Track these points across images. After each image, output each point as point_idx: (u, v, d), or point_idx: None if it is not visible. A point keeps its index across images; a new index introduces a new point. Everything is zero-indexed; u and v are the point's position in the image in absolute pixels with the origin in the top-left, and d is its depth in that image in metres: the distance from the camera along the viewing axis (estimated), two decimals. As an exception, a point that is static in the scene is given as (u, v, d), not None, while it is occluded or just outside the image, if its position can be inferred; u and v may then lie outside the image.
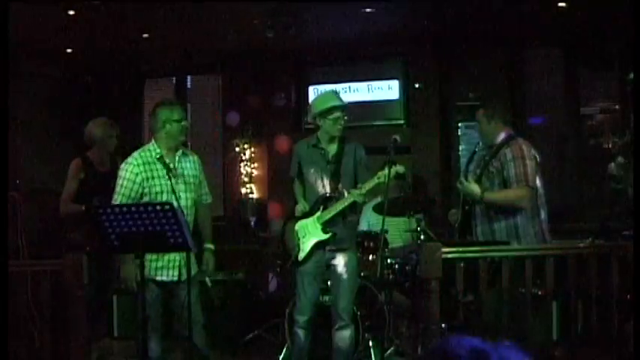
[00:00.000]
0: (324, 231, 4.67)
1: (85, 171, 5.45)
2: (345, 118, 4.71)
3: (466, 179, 4.65)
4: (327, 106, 4.67)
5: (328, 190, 4.71)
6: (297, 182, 4.92)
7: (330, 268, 4.75)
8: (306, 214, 4.76)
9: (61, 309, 4.34)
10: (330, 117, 4.66)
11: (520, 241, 4.57)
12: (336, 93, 4.89)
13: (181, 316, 4.31)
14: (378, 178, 4.59)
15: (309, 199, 4.79)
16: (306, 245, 4.71)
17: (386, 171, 4.55)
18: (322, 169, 4.74)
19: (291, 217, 4.91)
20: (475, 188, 4.60)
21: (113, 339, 6.41)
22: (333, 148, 4.76)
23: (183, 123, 4.51)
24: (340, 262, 4.70)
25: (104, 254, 5.19)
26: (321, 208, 4.70)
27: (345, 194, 4.65)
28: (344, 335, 4.70)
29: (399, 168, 4.57)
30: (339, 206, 4.65)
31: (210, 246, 4.67)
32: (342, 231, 4.71)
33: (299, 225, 4.78)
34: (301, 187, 4.88)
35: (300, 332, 4.75)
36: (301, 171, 4.84)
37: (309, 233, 4.71)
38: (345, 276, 4.69)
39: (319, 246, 4.69)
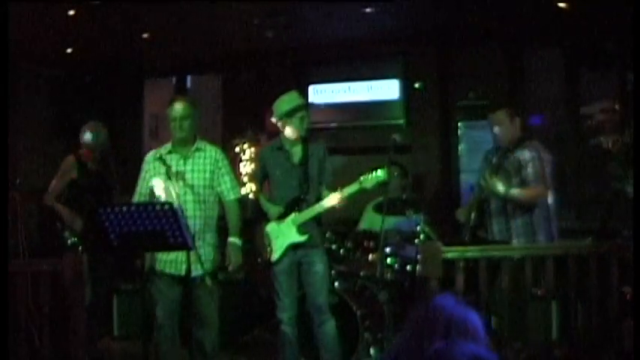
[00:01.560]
0: (300, 233, 4.68)
1: (78, 170, 5.48)
2: (309, 117, 4.77)
3: (490, 176, 4.73)
4: (293, 106, 4.70)
5: (297, 192, 4.72)
6: (259, 189, 4.98)
7: (302, 266, 4.76)
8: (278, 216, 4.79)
9: (61, 309, 4.34)
10: (296, 116, 4.69)
11: (536, 237, 4.67)
12: (298, 93, 4.89)
13: (195, 315, 4.36)
14: (360, 183, 4.60)
15: (277, 201, 4.81)
16: (280, 246, 4.72)
17: (368, 176, 4.58)
18: (288, 171, 4.76)
19: (259, 219, 4.93)
20: (499, 185, 4.67)
21: (113, 339, 6.41)
22: (297, 150, 4.78)
23: (179, 122, 4.54)
24: (313, 259, 4.73)
25: (98, 254, 5.20)
26: (296, 210, 4.70)
27: (321, 195, 4.70)
28: (328, 329, 4.72)
29: (381, 174, 4.57)
30: (318, 209, 4.67)
31: (235, 240, 4.66)
32: (314, 230, 4.75)
33: (270, 227, 4.79)
34: (265, 192, 4.92)
35: (287, 329, 4.77)
36: (266, 175, 4.87)
37: (283, 235, 4.72)
38: (319, 273, 4.73)
39: (292, 246, 4.71)
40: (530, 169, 4.67)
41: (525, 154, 4.69)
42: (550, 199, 4.80)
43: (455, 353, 1.81)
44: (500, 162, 4.78)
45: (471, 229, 4.86)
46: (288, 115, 4.70)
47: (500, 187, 4.66)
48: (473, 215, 4.89)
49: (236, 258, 4.66)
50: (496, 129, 4.85)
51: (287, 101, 4.75)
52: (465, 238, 4.92)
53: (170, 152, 4.61)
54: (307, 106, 4.82)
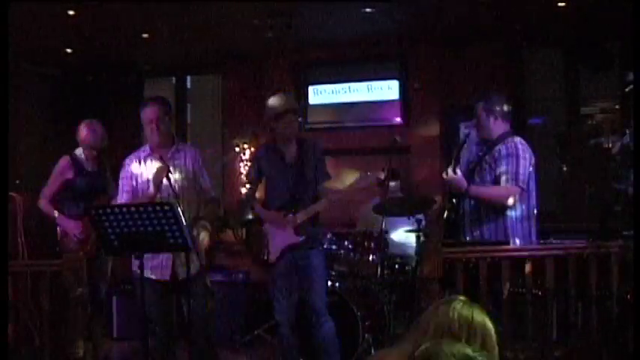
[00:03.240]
0: (297, 233, 4.68)
1: (73, 171, 5.42)
2: (299, 119, 4.74)
3: (454, 171, 4.47)
4: (279, 110, 4.66)
5: (292, 192, 4.70)
6: (254, 189, 4.95)
7: (300, 267, 4.76)
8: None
9: (61, 309, 4.33)
10: (284, 120, 4.65)
11: (509, 243, 4.51)
12: (289, 95, 4.83)
13: (190, 313, 4.33)
14: (357, 182, 4.60)
15: (272, 201, 4.80)
16: (277, 247, 4.71)
17: (364, 175, 4.58)
18: (283, 171, 4.73)
19: (255, 221, 4.92)
20: (460, 180, 4.46)
21: (113, 340, 6.42)
22: (292, 151, 4.74)
23: (155, 124, 4.42)
24: (310, 261, 4.70)
25: (97, 257, 5.18)
26: (292, 210, 4.71)
27: (318, 195, 4.69)
28: (326, 331, 4.70)
29: (379, 174, 4.60)
30: (315, 209, 4.67)
31: (205, 222, 4.52)
32: (311, 231, 4.73)
33: (267, 227, 4.79)
34: (257, 196, 4.92)
35: (286, 331, 4.75)
36: (262, 175, 4.86)
37: (280, 235, 4.71)
38: (316, 274, 4.71)
39: (290, 247, 4.70)
40: (503, 167, 4.43)
41: (502, 151, 4.46)
42: (532, 201, 4.60)
43: (443, 352, 1.82)
44: (480, 158, 4.60)
45: (446, 229, 4.72)
46: (276, 118, 4.69)
47: (462, 184, 4.43)
48: (446, 215, 4.73)
49: (207, 239, 4.49)
50: (474, 122, 4.68)
51: (275, 104, 4.72)
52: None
53: (150, 156, 4.50)
54: (297, 109, 4.72)
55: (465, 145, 4.75)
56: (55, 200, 5.43)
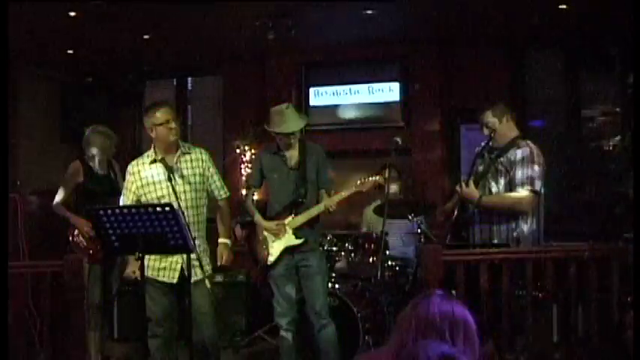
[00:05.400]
0: (296, 236, 4.69)
1: (84, 174, 5.46)
2: (293, 135, 4.70)
3: (466, 183, 4.51)
4: (270, 128, 4.73)
5: (294, 196, 4.72)
6: (253, 192, 5.00)
7: (300, 270, 4.75)
8: (273, 219, 4.79)
9: (61, 310, 4.34)
10: (276, 134, 4.73)
11: (519, 245, 4.52)
12: (283, 110, 4.73)
13: (193, 318, 4.33)
14: (356, 187, 4.62)
15: (273, 204, 4.81)
16: (276, 250, 4.73)
17: (365, 179, 4.60)
18: (286, 175, 4.75)
19: (253, 223, 4.93)
20: (473, 192, 4.49)
21: (114, 341, 6.42)
22: (294, 155, 4.77)
23: (169, 125, 4.46)
24: (310, 263, 4.73)
25: (108, 257, 5.19)
26: (293, 214, 4.71)
27: (319, 199, 4.72)
28: (327, 335, 4.71)
29: (379, 179, 4.62)
30: (313, 213, 4.69)
31: (225, 240, 4.63)
32: (311, 234, 4.76)
33: (266, 230, 4.80)
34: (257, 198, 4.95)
35: (286, 334, 4.76)
36: (263, 178, 4.88)
37: (280, 238, 4.72)
38: (317, 276, 4.73)
39: (289, 250, 4.72)
40: (519, 171, 4.45)
41: (517, 155, 4.48)
42: (540, 206, 4.59)
43: (420, 353, 1.82)
44: (492, 161, 4.60)
45: (454, 229, 4.72)
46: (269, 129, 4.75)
47: (475, 195, 4.46)
48: (456, 213, 4.73)
49: (227, 257, 4.63)
50: (486, 131, 4.65)
51: (270, 118, 4.75)
52: (446, 240, 4.80)
53: (155, 160, 4.49)
54: (281, 132, 4.71)
55: (482, 156, 4.74)
56: (69, 203, 5.49)
